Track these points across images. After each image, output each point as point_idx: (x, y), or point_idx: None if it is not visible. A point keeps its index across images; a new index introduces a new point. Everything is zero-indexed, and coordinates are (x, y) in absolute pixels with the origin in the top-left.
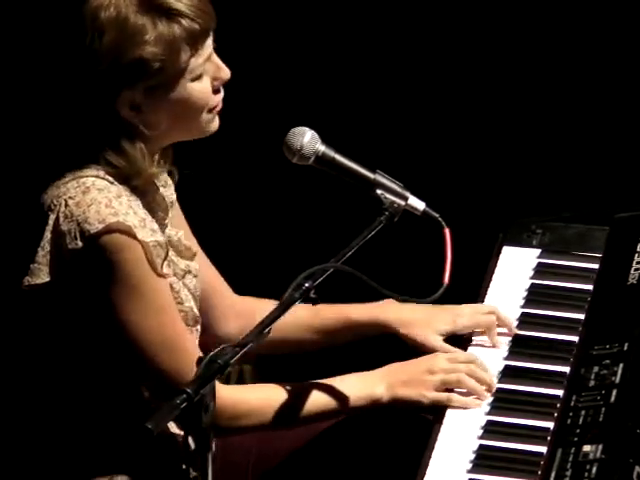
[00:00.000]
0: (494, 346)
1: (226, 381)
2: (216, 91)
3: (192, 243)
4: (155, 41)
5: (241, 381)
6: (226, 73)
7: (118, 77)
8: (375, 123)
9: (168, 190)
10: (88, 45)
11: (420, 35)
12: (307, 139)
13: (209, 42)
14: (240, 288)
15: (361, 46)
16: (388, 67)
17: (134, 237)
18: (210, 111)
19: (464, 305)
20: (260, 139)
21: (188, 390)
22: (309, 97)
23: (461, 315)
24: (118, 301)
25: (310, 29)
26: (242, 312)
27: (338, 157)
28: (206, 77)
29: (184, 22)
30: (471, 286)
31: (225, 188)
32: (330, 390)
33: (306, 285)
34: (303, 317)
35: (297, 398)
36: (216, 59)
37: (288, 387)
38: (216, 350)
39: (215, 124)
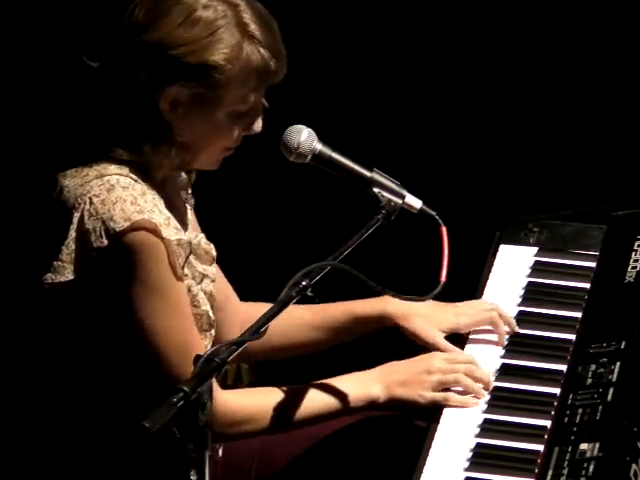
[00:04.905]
0: (500, 343)
1: (223, 379)
2: (238, 139)
3: (211, 247)
4: (232, 54)
5: (238, 379)
6: (258, 128)
7: (180, 69)
8: (372, 121)
9: (186, 193)
10: (169, 27)
11: (417, 32)
12: (304, 137)
13: (263, 93)
14: (239, 287)
15: (357, 44)
16: (385, 66)
17: (159, 236)
18: (224, 150)
19: (465, 303)
20: (257, 137)
21: (185, 388)
22: (306, 95)
23: (463, 314)
24: (138, 301)
25: (307, 27)
26: (246, 319)
27: (335, 155)
28: (241, 121)
29: (264, 53)
30: (468, 284)
31: (222, 186)
32: (327, 391)
33: (303, 283)
34: (306, 317)
35: (295, 401)
36: (260, 112)
37: (286, 390)
38: (213, 348)
39: (217, 165)
